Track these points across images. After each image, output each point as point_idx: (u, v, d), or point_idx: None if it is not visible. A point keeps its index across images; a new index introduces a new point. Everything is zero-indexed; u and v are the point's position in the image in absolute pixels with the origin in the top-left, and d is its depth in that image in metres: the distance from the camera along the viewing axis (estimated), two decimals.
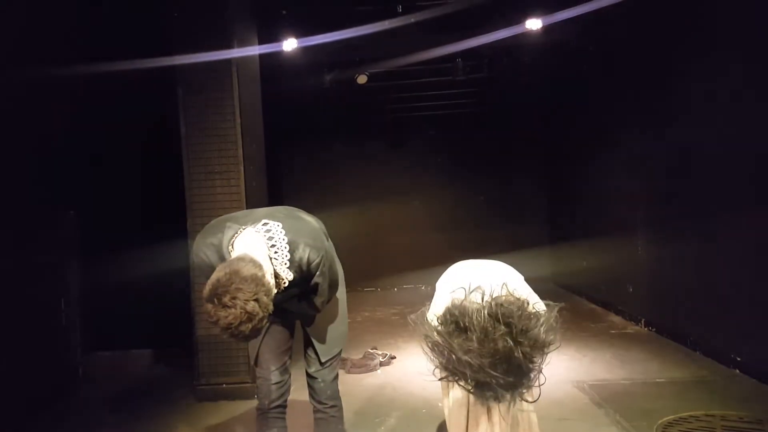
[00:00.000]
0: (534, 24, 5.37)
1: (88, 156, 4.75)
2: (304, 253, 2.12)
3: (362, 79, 6.63)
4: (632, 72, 5.33)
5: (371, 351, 4.76)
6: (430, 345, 1.89)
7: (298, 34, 5.33)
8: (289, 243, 2.11)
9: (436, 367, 1.90)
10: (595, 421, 3.35)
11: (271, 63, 5.24)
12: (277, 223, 2.14)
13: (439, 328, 1.88)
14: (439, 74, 6.62)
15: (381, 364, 4.60)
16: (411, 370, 4.48)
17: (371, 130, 8.07)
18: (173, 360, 4.71)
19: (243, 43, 4.16)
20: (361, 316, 6.53)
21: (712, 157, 4.18)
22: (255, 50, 4.50)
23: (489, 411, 2.13)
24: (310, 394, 2.45)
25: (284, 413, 2.46)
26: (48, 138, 4.31)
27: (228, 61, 3.99)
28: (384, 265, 8.08)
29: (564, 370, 4.28)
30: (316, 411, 2.45)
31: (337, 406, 2.46)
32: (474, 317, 1.79)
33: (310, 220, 2.29)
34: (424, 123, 8.01)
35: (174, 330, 4.49)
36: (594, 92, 6.32)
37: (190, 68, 3.96)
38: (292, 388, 2.52)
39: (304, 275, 2.15)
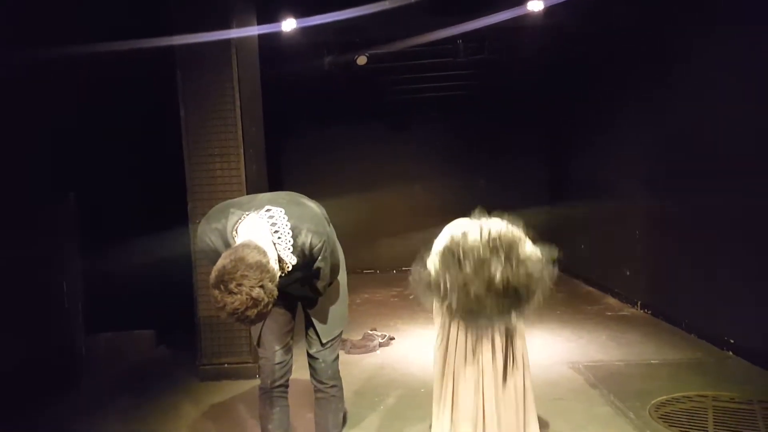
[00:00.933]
0: (535, 5, 5.33)
1: (87, 139, 4.75)
2: (306, 239, 2.16)
3: (362, 60, 6.58)
4: (632, 53, 5.31)
5: (371, 332, 4.83)
6: (426, 283, 2.08)
7: (298, 15, 5.29)
8: (292, 228, 2.15)
9: (433, 299, 2.10)
10: (590, 401, 3.42)
11: (270, 45, 5.21)
12: (279, 209, 2.17)
13: (437, 263, 2.02)
14: (439, 56, 6.58)
15: (380, 345, 4.66)
16: (410, 350, 4.55)
17: (371, 112, 8.04)
18: (176, 341, 4.77)
19: (242, 23, 4.14)
20: (361, 298, 6.59)
21: (711, 142, 4.20)
22: (254, 30, 4.48)
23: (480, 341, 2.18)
24: (311, 374, 2.50)
25: (286, 392, 2.51)
26: (47, 121, 4.31)
27: (227, 43, 3.98)
28: (383, 247, 8.12)
29: (560, 351, 4.35)
30: (317, 390, 2.50)
31: (338, 386, 2.51)
32: (471, 248, 1.95)
33: (312, 205, 2.33)
34: (424, 105, 7.98)
35: (176, 311, 4.54)
36: (594, 74, 6.30)
37: (190, 50, 3.95)
38: (294, 368, 2.56)
39: (306, 260, 2.19)
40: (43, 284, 4.29)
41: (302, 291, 2.36)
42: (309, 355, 2.50)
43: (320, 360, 2.46)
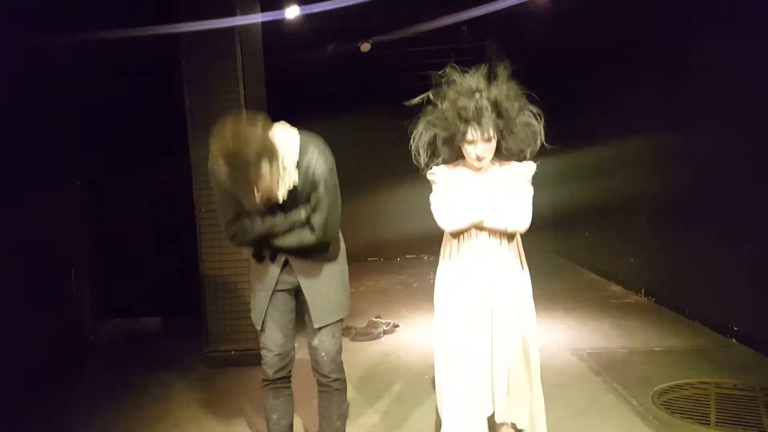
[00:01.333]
0: None
1: (93, 127, 4.77)
2: (312, 156, 2.17)
3: (366, 47, 6.58)
4: (637, 40, 5.27)
5: (375, 320, 4.86)
6: (423, 124, 2.38)
7: (301, 2, 5.27)
8: (300, 144, 2.17)
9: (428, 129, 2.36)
10: (593, 388, 3.44)
11: (273, 33, 5.19)
12: (293, 129, 2.23)
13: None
14: (444, 42, 6.55)
15: (385, 332, 4.69)
16: (414, 338, 4.58)
17: (375, 100, 8.01)
18: (182, 327, 4.81)
19: (246, 11, 4.13)
20: (365, 286, 6.62)
21: (715, 129, 4.18)
22: (258, 18, 4.46)
23: None
24: (313, 367, 2.45)
25: (289, 382, 2.50)
26: (55, 110, 4.32)
27: (231, 31, 3.97)
28: (387, 235, 8.13)
29: (563, 338, 4.37)
30: (319, 384, 2.46)
31: (341, 379, 2.45)
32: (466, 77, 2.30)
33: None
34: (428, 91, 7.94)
35: (183, 298, 4.57)
36: (597, 61, 6.25)
37: (194, 37, 3.94)
38: (299, 356, 2.55)
39: (308, 183, 2.18)
40: (52, 271, 4.33)
41: (301, 239, 2.24)
42: (310, 346, 2.43)
43: (321, 353, 2.39)
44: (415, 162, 2.45)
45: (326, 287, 2.38)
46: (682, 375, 3.51)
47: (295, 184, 2.17)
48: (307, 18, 5.44)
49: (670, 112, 4.81)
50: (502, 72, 2.31)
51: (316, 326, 2.37)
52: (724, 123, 4.08)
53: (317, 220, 2.23)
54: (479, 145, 2.29)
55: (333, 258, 2.41)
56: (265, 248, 2.33)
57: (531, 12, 5.98)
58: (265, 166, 1.97)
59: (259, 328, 2.43)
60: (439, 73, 2.37)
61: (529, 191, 2.37)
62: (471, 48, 6.54)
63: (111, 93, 4.71)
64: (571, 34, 6.81)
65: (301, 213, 2.24)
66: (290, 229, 2.24)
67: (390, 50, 6.90)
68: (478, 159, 2.32)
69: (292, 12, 5.27)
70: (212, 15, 3.91)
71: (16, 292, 3.80)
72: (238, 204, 2.18)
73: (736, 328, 4.07)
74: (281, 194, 2.13)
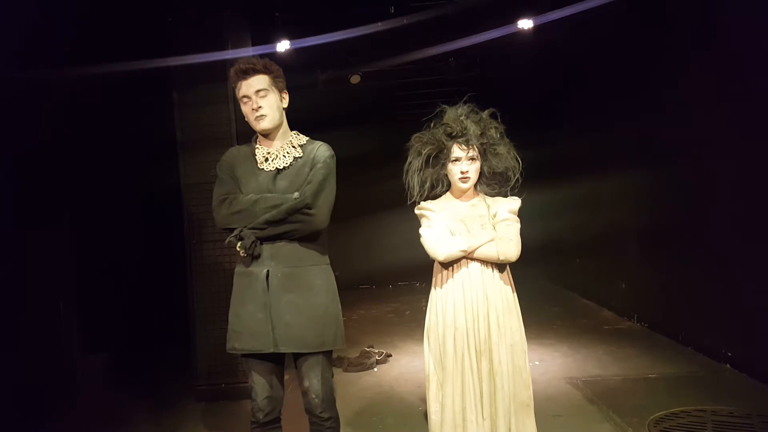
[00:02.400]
0: (525, 24, 5.42)
1: (82, 160, 4.75)
2: (318, 145, 2.40)
3: (355, 79, 6.66)
4: (622, 71, 5.38)
5: (367, 349, 4.82)
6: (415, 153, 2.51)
7: (291, 36, 5.36)
8: (309, 138, 2.43)
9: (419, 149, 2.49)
10: (589, 417, 3.41)
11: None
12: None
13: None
14: (431, 74, 6.66)
15: (377, 362, 4.65)
16: (407, 368, 4.54)
17: (365, 130, 8.09)
18: (172, 361, 4.74)
19: (237, 45, 4.18)
20: (357, 314, 6.58)
21: (703, 155, 4.25)
22: (249, 52, 4.52)
23: None
24: (306, 406, 2.38)
25: (279, 424, 2.43)
26: (42, 140, 4.31)
27: (223, 65, 4.01)
28: (379, 262, 8.12)
29: (557, 366, 4.35)
30: (311, 422, 2.40)
31: (333, 417, 2.37)
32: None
33: None
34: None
35: (172, 331, 4.52)
36: (584, 91, 6.37)
37: (185, 72, 3.99)
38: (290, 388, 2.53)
39: (308, 160, 2.33)
40: (40, 304, 4.27)
41: (291, 206, 2.23)
42: (301, 386, 2.37)
43: (312, 395, 2.32)
44: (407, 193, 2.54)
45: (312, 312, 2.28)
46: (677, 402, 3.49)
47: (296, 158, 2.33)
48: (298, 51, 5.52)
49: (661, 140, 4.88)
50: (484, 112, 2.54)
51: (303, 351, 2.29)
52: (714, 153, 4.15)
53: (310, 190, 2.27)
54: (464, 162, 2.40)
55: (321, 282, 2.34)
56: (249, 236, 2.24)
57: (517, 43, 6.09)
58: (274, 90, 2.31)
59: (232, 350, 2.33)
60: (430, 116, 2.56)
61: (517, 223, 2.44)
62: (458, 79, 6.66)
63: (102, 126, 4.72)
64: (558, 64, 6.95)
65: (295, 194, 2.30)
66: (282, 203, 2.25)
67: (379, 81, 7.00)
68: (464, 178, 2.41)
69: (282, 46, 5.35)
70: (203, 49, 3.95)
71: (3, 326, 3.74)
72: (234, 186, 2.34)
73: (730, 354, 4.07)
74: (269, 122, 2.32)
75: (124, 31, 4.45)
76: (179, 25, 4.00)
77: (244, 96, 2.31)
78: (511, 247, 2.36)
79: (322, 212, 2.29)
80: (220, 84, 3.98)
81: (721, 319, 4.15)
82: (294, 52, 5.55)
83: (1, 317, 3.74)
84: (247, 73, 2.28)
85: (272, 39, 5.25)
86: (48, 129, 4.34)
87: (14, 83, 3.90)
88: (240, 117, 4.03)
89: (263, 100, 2.29)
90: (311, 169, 2.31)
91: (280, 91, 2.36)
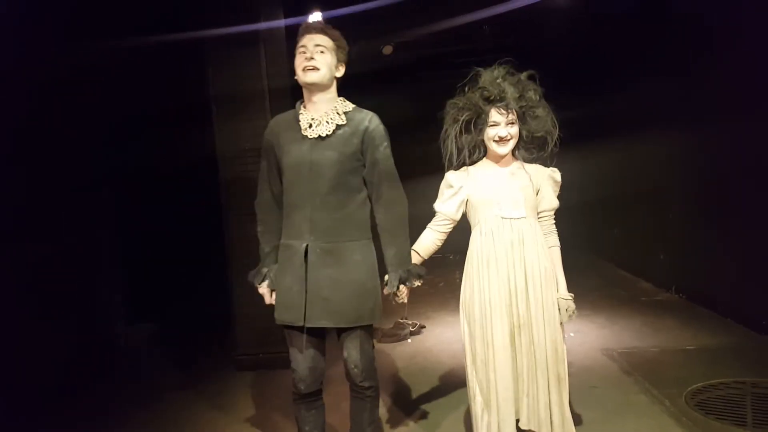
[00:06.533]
0: None
1: (120, 132, 4.84)
2: (368, 115, 2.35)
3: (388, 50, 6.59)
4: (660, 37, 5.18)
5: (401, 321, 4.86)
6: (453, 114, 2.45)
7: (323, 7, 5.31)
8: (354, 106, 2.39)
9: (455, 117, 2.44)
10: (624, 388, 3.40)
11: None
12: None
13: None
14: (465, 43, 6.53)
15: (411, 333, 4.70)
16: (441, 338, 4.58)
17: (398, 101, 8.03)
18: (213, 330, 4.88)
19: (269, 17, 4.17)
20: None
21: (744, 119, 4.09)
22: (281, 23, 4.51)
23: None
24: (346, 375, 2.42)
25: (320, 396, 2.47)
26: (80, 118, 4.40)
27: (255, 36, 4.02)
28: (411, 234, 8.12)
29: (594, 337, 4.33)
30: (352, 390, 2.45)
31: (374, 387, 2.42)
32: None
33: None
34: (452, 92, 7.93)
35: (213, 301, 4.64)
36: (621, 54, 6.16)
37: (219, 45, 4.00)
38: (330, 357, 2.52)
39: (358, 131, 2.30)
40: (83, 276, 4.42)
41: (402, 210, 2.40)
42: (343, 360, 2.40)
43: (351, 364, 2.37)
44: (445, 161, 2.51)
45: (350, 288, 2.30)
46: (716, 374, 3.45)
47: (339, 125, 2.30)
48: (329, 22, 5.47)
49: (699, 101, 4.70)
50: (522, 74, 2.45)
51: (338, 325, 2.32)
52: (758, 112, 3.99)
53: (387, 181, 2.36)
54: (503, 127, 2.35)
55: (361, 258, 2.34)
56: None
57: (551, 9, 5.93)
58: (333, 53, 2.31)
59: (277, 320, 2.39)
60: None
61: (556, 204, 2.49)
62: (492, 48, 6.52)
63: (138, 99, 4.78)
64: (591, 27, 6.73)
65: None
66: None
67: (412, 52, 6.90)
68: (502, 141, 2.36)
69: (314, 17, 5.30)
70: (236, 22, 3.96)
71: (48, 296, 3.90)
72: (276, 181, 2.40)
73: None
74: (319, 77, 2.27)
75: (155, 7, 4.47)
76: (213, 2, 4.00)
77: (302, 46, 2.29)
78: (557, 241, 2.48)
79: (402, 191, 2.40)
80: (254, 57, 3.99)
81: (761, 290, 4.05)
82: (326, 23, 5.51)
83: (48, 290, 3.90)
84: (312, 30, 2.31)
85: (304, 10, 5.21)
86: (82, 100, 4.41)
87: (60, 52, 3.97)
88: (272, 84, 4.06)
89: (319, 55, 2.27)
90: (365, 146, 2.31)
91: (339, 60, 2.35)
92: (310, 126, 2.30)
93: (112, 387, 4.09)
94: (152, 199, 5.05)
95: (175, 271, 5.09)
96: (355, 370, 2.37)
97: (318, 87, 2.29)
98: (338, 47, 2.33)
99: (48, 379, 3.79)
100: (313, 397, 2.45)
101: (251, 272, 2.49)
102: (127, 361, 4.64)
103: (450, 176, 2.48)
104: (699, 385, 3.33)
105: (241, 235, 4.04)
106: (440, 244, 2.57)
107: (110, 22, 4.35)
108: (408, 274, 2.39)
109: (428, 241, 2.55)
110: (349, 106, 2.37)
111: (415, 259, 2.49)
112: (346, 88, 2.44)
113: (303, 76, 2.28)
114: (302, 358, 2.38)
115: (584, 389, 3.34)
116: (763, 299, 4.07)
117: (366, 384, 2.40)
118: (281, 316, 2.37)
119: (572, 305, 2.38)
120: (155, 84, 4.79)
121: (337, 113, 2.32)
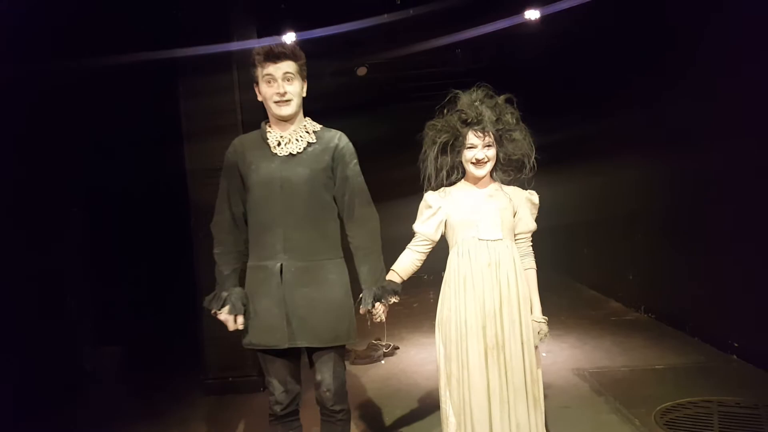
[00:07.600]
0: (532, 14, 5.37)
1: (90, 153, 4.77)
2: (337, 134, 2.35)
3: (362, 71, 6.65)
4: (632, 67, 5.31)
5: (375, 342, 4.83)
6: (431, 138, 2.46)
7: (297, 29, 5.34)
8: (321, 126, 2.38)
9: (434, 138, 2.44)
10: (596, 408, 3.42)
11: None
12: None
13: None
14: (438, 65, 6.64)
15: (385, 354, 4.66)
16: (415, 360, 4.55)
17: (371, 122, 8.07)
18: (181, 355, 4.77)
19: (243, 37, 4.18)
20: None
21: (709, 145, 4.21)
22: (254, 44, 4.52)
23: None
24: (317, 398, 2.38)
25: (297, 417, 2.43)
26: (50, 137, 4.33)
27: (228, 57, 4.01)
28: (386, 254, 8.11)
29: (565, 357, 4.36)
30: (322, 413, 2.40)
31: (345, 410, 2.37)
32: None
33: None
34: (424, 114, 8.01)
35: (180, 324, 4.54)
36: (591, 78, 6.31)
37: (191, 65, 3.99)
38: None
39: (329, 148, 2.30)
40: (49, 299, 4.30)
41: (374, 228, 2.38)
42: (314, 382, 2.36)
43: (323, 388, 2.32)
44: (423, 182, 2.51)
45: (326, 307, 2.28)
46: (684, 393, 3.49)
47: (310, 143, 2.29)
48: (304, 43, 5.50)
49: (668, 128, 4.83)
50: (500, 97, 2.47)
51: (308, 344, 2.29)
52: (725, 143, 4.11)
53: (359, 199, 2.35)
54: (480, 149, 2.36)
55: (336, 277, 2.32)
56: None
57: (523, 33, 6.05)
58: (299, 78, 2.27)
59: (249, 345, 2.34)
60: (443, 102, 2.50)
61: (533, 226, 2.50)
62: (465, 71, 6.63)
63: (109, 120, 4.73)
64: (564, 53, 6.89)
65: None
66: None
67: (386, 73, 6.98)
68: (479, 163, 2.37)
69: (288, 38, 5.32)
70: (209, 41, 3.95)
71: (14, 319, 3.78)
72: (237, 202, 2.36)
73: (736, 345, 4.06)
74: (292, 109, 2.26)
75: (131, 19, 4.43)
76: (186, 15, 3.99)
77: (269, 75, 2.23)
78: (533, 263, 2.50)
79: (373, 208, 2.40)
80: (227, 79, 3.98)
81: (729, 310, 4.13)
82: (299, 45, 5.53)
83: (12, 312, 3.78)
84: (279, 57, 2.22)
85: (278, 31, 5.23)
86: (51, 120, 4.34)
87: (18, 72, 3.90)
88: (245, 106, 4.05)
89: (289, 86, 2.24)
90: (336, 163, 2.30)
91: (303, 80, 2.31)
92: (279, 144, 2.28)
93: (76, 412, 3.96)
94: (121, 221, 4.96)
95: (144, 292, 4.99)
96: (327, 393, 2.33)
97: (292, 116, 2.29)
98: (301, 67, 2.30)
99: (6, 405, 3.65)
100: (291, 417, 2.40)
101: (207, 297, 2.38)
102: (91, 386, 4.50)
103: (429, 197, 2.48)
104: (668, 404, 3.37)
105: (210, 256, 3.98)
106: (419, 265, 2.55)
107: (82, 42, 4.31)
108: (382, 291, 2.35)
109: (407, 262, 2.53)
110: (317, 125, 2.37)
111: (395, 279, 2.47)
112: (320, 110, 2.45)
113: (277, 110, 2.26)
114: (279, 382, 2.34)
115: (557, 409, 3.34)
116: (729, 319, 4.15)
117: (337, 407, 2.35)
118: (259, 340, 2.30)
119: (545, 328, 2.39)
120: (127, 104, 4.75)
121: (306, 132, 2.31)
